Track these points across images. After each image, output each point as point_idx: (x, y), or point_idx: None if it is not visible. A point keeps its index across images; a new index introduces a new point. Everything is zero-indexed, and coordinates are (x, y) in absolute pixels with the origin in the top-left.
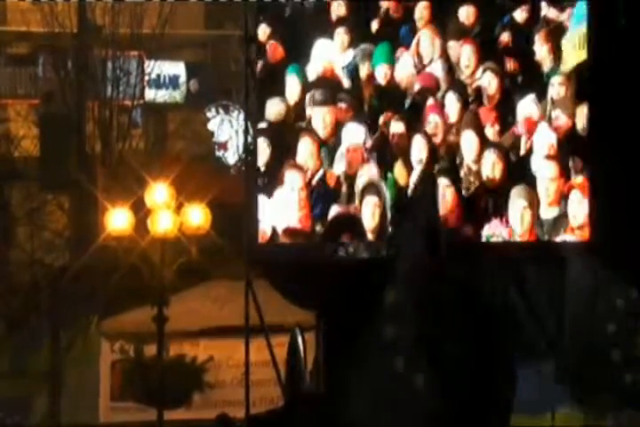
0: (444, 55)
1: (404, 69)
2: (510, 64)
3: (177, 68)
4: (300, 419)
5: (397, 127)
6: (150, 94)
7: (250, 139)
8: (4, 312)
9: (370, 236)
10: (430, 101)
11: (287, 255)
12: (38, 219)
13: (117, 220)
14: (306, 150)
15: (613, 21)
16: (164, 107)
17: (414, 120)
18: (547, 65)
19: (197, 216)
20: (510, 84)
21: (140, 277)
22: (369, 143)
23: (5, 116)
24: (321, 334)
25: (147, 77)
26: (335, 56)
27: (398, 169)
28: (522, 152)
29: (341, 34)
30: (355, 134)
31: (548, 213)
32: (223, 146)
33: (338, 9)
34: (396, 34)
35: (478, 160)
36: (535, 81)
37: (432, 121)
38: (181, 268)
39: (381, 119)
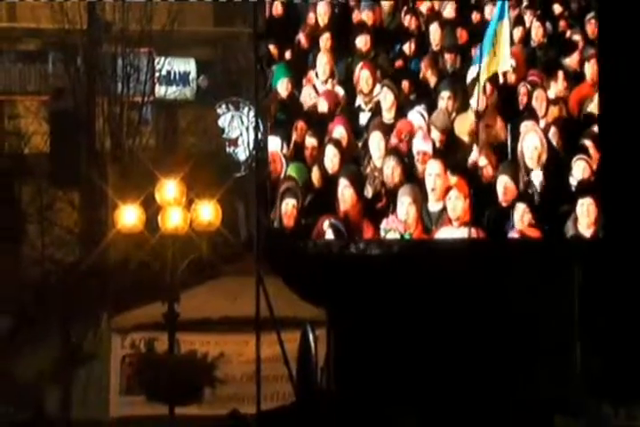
0: (344, 77)
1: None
2: (404, 83)
3: (187, 65)
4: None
5: (310, 141)
6: (160, 91)
7: (260, 135)
8: (16, 308)
9: (287, 232)
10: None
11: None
12: (49, 215)
13: (128, 216)
14: None
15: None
16: (175, 103)
17: (323, 131)
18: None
19: (208, 212)
20: (404, 99)
21: (150, 273)
22: (284, 150)
23: (15, 113)
24: (332, 331)
25: (157, 74)
26: None
27: (314, 173)
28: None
29: None
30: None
31: (434, 206)
32: (234, 142)
33: None
34: (305, 60)
35: (383, 158)
36: (425, 96)
37: (338, 131)
38: (192, 264)
39: (294, 128)
